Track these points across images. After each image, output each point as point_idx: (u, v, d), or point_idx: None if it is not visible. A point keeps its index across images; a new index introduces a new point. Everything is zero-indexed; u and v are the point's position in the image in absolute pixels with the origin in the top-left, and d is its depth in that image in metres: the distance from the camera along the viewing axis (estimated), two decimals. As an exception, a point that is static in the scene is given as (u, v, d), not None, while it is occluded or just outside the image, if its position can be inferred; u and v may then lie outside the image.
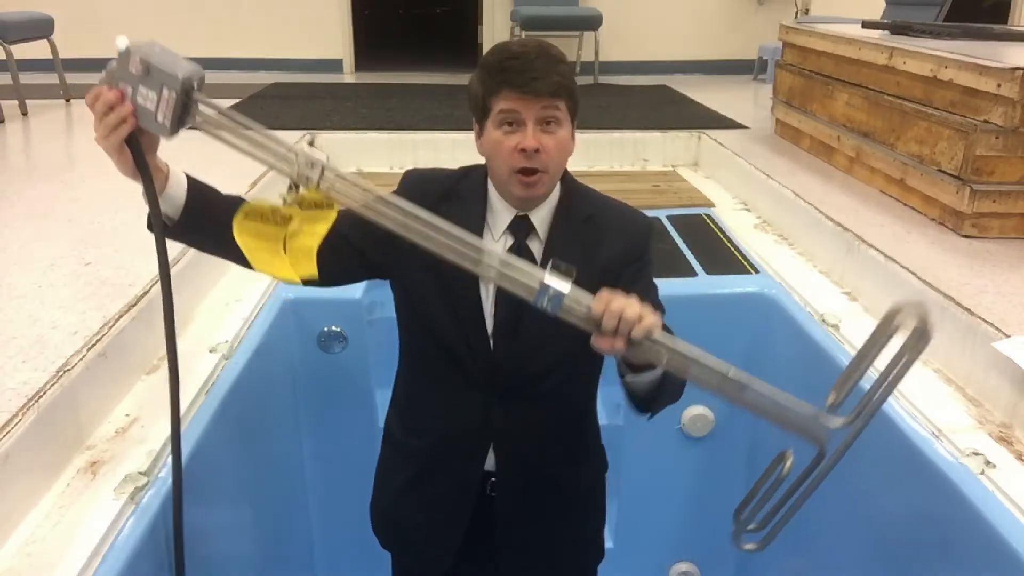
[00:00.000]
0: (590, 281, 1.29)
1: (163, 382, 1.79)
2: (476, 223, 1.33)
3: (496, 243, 1.34)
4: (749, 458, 2.51)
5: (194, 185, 1.31)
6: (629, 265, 1.37)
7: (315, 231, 1.18)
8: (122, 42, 1.09)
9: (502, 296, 1.30)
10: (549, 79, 1.23)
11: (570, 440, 1.47)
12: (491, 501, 1.43)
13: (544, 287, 1.08)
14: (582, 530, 1.56)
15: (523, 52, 1.25)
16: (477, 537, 1.46)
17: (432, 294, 1.34)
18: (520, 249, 1.33)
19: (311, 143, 3.79)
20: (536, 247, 1.35)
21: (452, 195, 1.36)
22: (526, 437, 1.40)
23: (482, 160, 1.37)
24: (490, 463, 1.42)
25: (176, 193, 1.28)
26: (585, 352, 1.37)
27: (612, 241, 1.36)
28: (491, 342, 1.35)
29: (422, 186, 1.37)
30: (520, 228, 1.34)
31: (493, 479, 1.43)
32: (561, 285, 1.09)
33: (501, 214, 1.34)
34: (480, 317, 1.34)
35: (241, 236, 1.18)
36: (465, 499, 1.44)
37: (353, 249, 1.35)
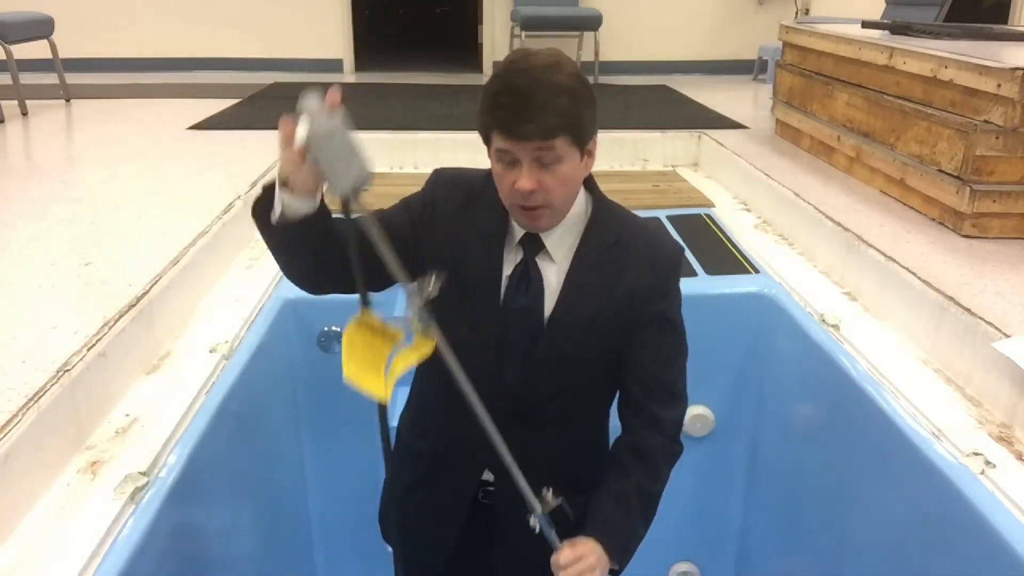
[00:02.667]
0: (610, 311, 1.30)
1: (163, 382, 1.80)
2: (498, 231, 1.30)
3: (509, 254, 1.31)
4: (749, 458, 2.52)
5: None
6: (652, 303, 1.31)
7: (409, 359, 1.18)
8: (309, 104, 1.04)
9: (517, 320, 1.30)
10: (541, 121, 1.14)
11: (573, 469, 1.41)
12: (491, 509, 1.43)
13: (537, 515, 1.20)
14: None
15: (518, 86, 1.14)
16: (476, 542, 1.45)
17: (453, 304, 1.29)
18: (527, 267, 1.30)
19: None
20: (550, 270, 1.31)
21: (478, 200, 1.32)
22: (526, 461, 1.36)
23: (487, 161, 1.33)
24: (489, 474, 1.42)
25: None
26: (594, 387, 1.37)
27: (637, 273, 1.30)
28: (500, 363, 1.32)
29: (449, 188, 1.35)
30: (529, 245, 1.30)
31: (491, 488, 1.42)
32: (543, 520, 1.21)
33: (514, 228, 1.31)
34: (493, 335, 1.31)
35: (351, 341, 1.16)
36: (460, 506, 1.43)
37: (403, 248, 1.31)
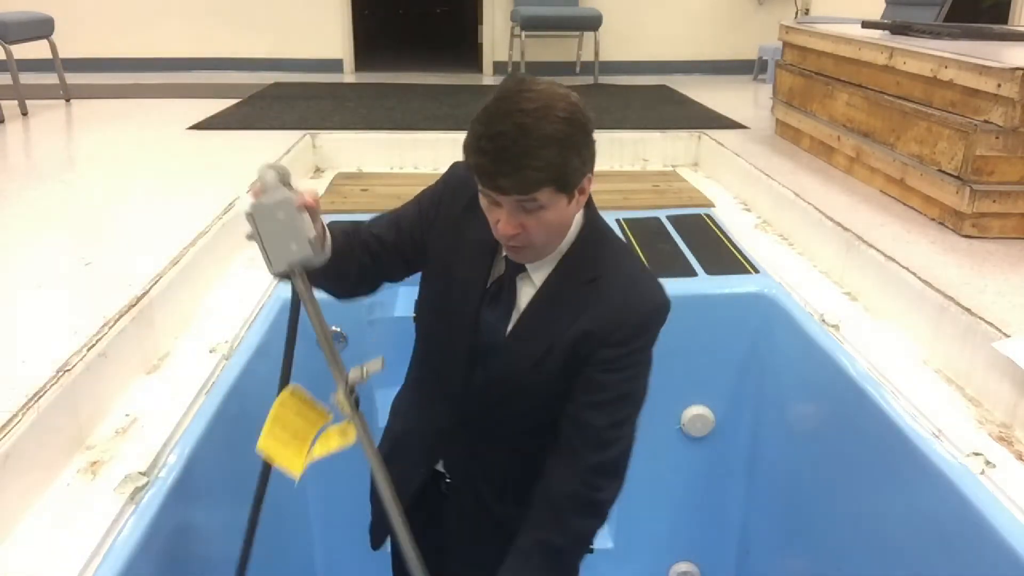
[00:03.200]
0: (561, 348, 1.24)
1: (163, 382, 1.80)
2: (489, 241, 1.26)
3: (494, 267, 1.30)
4: (749, 458, 2.52)
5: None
6: (604, 349, 1.21)
7: (330, 444, 1.18)
8: (265, 176, 1.07)
9: (486, 332, 1.29)
10: (520, 176, 1.07)
11: (523, 482, 1.35)
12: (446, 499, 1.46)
13: None
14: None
15: (500, 134, 1.07)
16: (424, 523, 1.39)
17: (438, 303, 1.35)
18: (506, 283, 1.28)
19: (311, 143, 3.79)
20: (525, 291, 1.27)
21: (478, 207, 1.24)
22: (478, 462, 1.40)
23: None
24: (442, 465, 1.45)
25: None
26: (543, 413, 1.32)
27: (599, 316, 1.21)
28: (471, 367, 1.32)
29: (458, 188, 1.33)
30: (512, 262, 1.27)
31: (447, 480, 1.45)
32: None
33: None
34: (465, 341, 1.31)
35: (278, 415, 1.15)
36: (411, 485, 1.42)
37: (394, 250, 1.35)
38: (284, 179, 1.09)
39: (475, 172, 1.12)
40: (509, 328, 1.29)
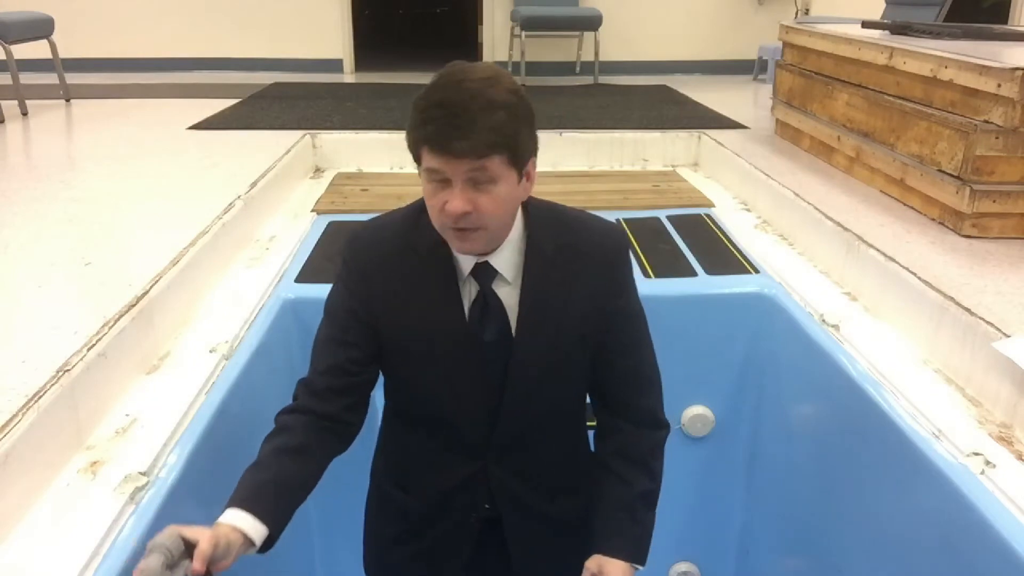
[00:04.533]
0: (572, 321, 1.26)
1: (163, 382, 1.80)
2: (447, 275, 1.23)
3: (464, 289, 1.24)
4: (749, 458, 2.52)
5: (269, 514, 1.14)
6: (611, 301, 1.28)
7: None
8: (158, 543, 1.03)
9: (490, 354, 1.26)
10: (475, 138, 1.05)
11: (561, 477, 1.41)
12: (495, 542, 1.40)
13: None
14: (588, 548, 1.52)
15: (452, 100, 1.06)
16: (480, 567, 1.43)
17: (424, 360, 1.26)
18: (487, 297, 1.24)
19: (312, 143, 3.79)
20: (506, 292, 1.25)
21: (409, 251, 1.23)
22: (526, 479, 1.37)
23: None
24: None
25: (258, 531, 1.13)
26: (569, 396, 1.36)
27: (589, 276, 1.26)
28: (482, 401, 1.29)
29: (371, 252, 1.26)
30: (483, 275, 1.23)
31: (489, 510, 1.39)
32: None
33: (461, 261, 1.23)
34: (469, 378, 1.27)
35: None
36: (465, 543, 1.40)
37: (374, 342, 1.26)
38: (172, 560, 1.02)
39: (424, 143, 1.08)
40: (514, 329, 1.25)
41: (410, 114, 1.11)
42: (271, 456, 1.19)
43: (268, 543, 1.14)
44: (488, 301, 1.24)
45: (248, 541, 1.10)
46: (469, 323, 1.24)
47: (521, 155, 1.12)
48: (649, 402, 1.37)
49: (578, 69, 6.46)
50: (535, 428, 1.33)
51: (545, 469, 1.38)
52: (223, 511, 1.11)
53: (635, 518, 1.33)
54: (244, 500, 1.11)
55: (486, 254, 1.22)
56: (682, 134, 4.03)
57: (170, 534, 1.04)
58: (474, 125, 1.05)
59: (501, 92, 1.08)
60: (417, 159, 1.14)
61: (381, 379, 1.35)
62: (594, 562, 1.29)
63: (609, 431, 1.38)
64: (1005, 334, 1.73)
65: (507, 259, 1.23)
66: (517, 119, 1.10)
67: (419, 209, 1.24)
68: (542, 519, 1.40)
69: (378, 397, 1.45)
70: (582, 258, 1.26)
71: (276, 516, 1.13)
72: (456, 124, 1.05)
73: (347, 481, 2.39)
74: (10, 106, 4.22)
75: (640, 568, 1.33)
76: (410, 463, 1.40)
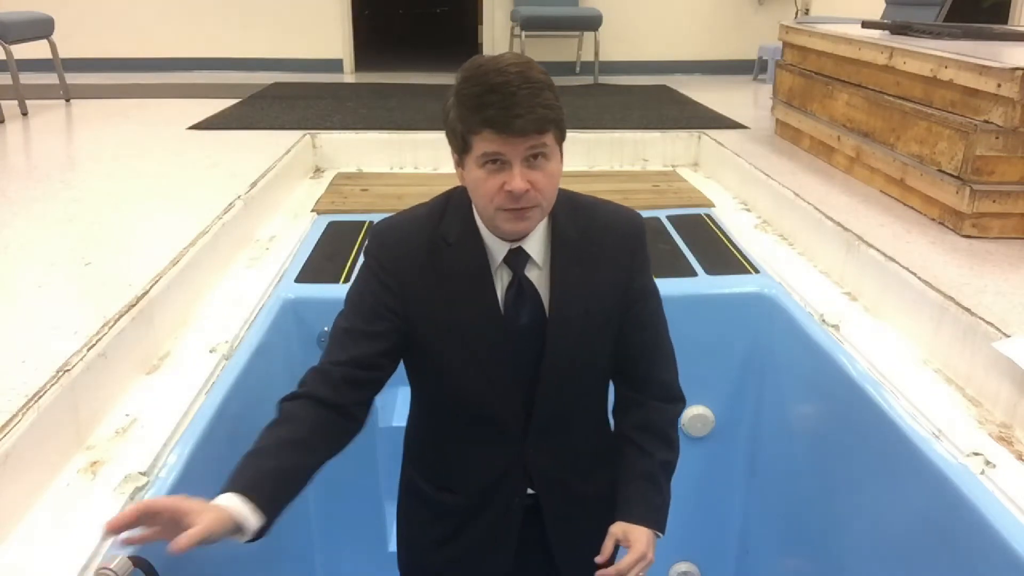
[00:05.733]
0: (599, 303, 1.31)
1: (163, 382, 1.80)
2: (480, 265, 1.26)
3: (496, 276, 1.28)
4: (749, 458, 2.52)
5: (263, 493, 1.11)
6: (634, 281, 1.34)
7: None
8: None
9: (523, 342, 1.29)
10: (533, 114, 1.11)
11: (589, 454, 1.45)
12: (534, 526, 1.42)
13: None
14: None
15: (503, 83, 1.11)
16: (524, 562, 1.45)
17: (457, 351, 1.28)
18: (521, 282, 1.28)
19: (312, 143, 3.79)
20: (536, 275, 1.29)
21: (440, 243, 1.26)
22: (563, 459, 1.40)
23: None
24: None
25: (252, 521, 1.10)
26: (597, 377, 1.40)
27: (612, 258, 1.32)
28: (517, 389, 1.31)
29: (401, 245, 1.28)
30: (517, 260, 1.27)
31: (531, 496, 1.41)
32: None
33: (494, 249, 1.27)
34: (506, 366, 1.30)
35: None
36: (510, 535, 1.42)
37: (398, 334, 1.28)
38: None
39: (485, 127, 1.12)
40: (547, 307, 1.29)
41: (453, 110, 1.17)
42: (275, 446, 1.18)
43: (258, 534, 1.12)
44: (523, 286, 1.28)
45: (238, 529, 1.08)
46: (504, 309, 1.28)
47: (564, 131, 1.21)
48: (668, 376, 1.43)
49: (578, 69, 6.46)
50: (570, 409, 1.37)
51: (580, 448, 1.42)
52: (219, 492, 1.10)
53: (657, 487, 1.37)
54: (244, 488, 1.10)
55: (519, 240, 1.26)
56: (682, 134, 4.03)
57: (121, 562, 1.08)
58: (531, 104, 1.11)
59: (538, 74, 1.15)
60: (465, 150, 1.17)
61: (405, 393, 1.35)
62: (618, 528, 1.31)
63: (629, 404, 1.43)
64: (1005, 334, 1.73)
65: (537, 244, 1.28)
66: (558, 98, 1.17)
67: (444, 203, 1.30)
68: (579, 499, 1.43)
69: (388, 404, 1.45)
70: (604, 240, 1.32)
71: (273, 508, 1.12)
72: (515, 103, 1.11)
73: (347, 481, 2.40)
74: (10, 106, 4.22)
75: (661, 536, 1.35)
76: (450, 462, 1.41)
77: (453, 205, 1.29)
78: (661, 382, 1.43)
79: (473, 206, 1.26)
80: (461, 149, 1.19)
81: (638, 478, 1.37)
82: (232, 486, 1.10)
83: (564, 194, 1.31)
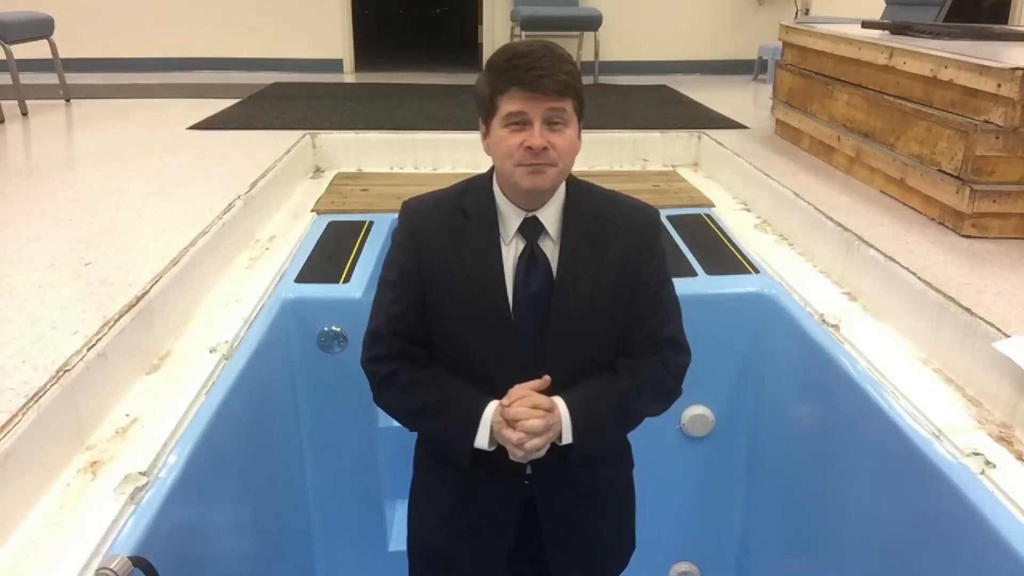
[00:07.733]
0: (607, 281, 1.36)
1: (163, 382, 1.80)
2: (491, 234, 1.36)
3: (508, 248, 1.36)
4: (749, 458, 2.52)
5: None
6: (644, 265, 1.39)
7: None
8: None
9: (528, 309, 1.35)
10: (556, 77, 1.24)
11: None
12: (533, 509, 1.45)
13: None
14: (620, 522, 1.59)
15: (529, 51, 1.26)
16: (522, 546, 1.47)
17: (465, 314, 1.36)
18: (533, 251, 1.35)
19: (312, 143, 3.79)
20: (549, 247, 1.37)
21: (459, 214, 1.38)
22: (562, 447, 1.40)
23: (487, 160, 1.37)
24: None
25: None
26: (602, 352, 1.41)
27: (624, 240, 1.38)
28: (519, 354, 1.36)
29: (425, 217, 1.39)
30: (531, 229, 1.36)
31: (528, 480, 1.44)
32: None
33: (510, 219, 1.36)
34: (508, 332, 1.36)
35: None
36: (510, 514, 1.45)
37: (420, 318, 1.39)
38: None
39: (511, 85, 1.25)
40: (555, 275, 1.35)
41: (483, 78, 1.31)
42: (439, 376, 1.39)
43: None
44: (535, 253, 1.36)
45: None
46: (516, 275, 1.35)
47: (583, 106, 1.32)
48: (669, 333, 1.44)
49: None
50: (572, 380, 1.38)
51: None
52: (475, 410, 1.34)
53: (605, 400, 1.38)
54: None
55: (534, 209, 1.35)
56: (682, 134, 4.03)
57: (121, 562, 1.13)
58: (555, 68, 1.25)
59: (561, 51, 1.29)
60: (492, 113, 1.30)
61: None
62: (554, 400, 1.34)
63: (626, 354, 1.43)
64: (1005, 334, 1.73)
65: (551, 216, 1.36)
66: (579, 75, 1.30)
67: (468, 182, 1.42)
68: (577, 485, 1.44)
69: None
70: (616, 226, 1.39)
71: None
72: (540, 66, 1.25)
73: (347, 482, 2.40)
74: (10, 106, 4.22)
75: (565, 443, 1.35)
76: None
77: (476, 185, 1.41)
78: (660, 338, 1.43)
79: (494, 180, 1.37)
80: (488, 113, 1.31)
81: (594, 382, 1.38)
82: (481, 400, 1.35)
83: (584, 183, 1.42)
